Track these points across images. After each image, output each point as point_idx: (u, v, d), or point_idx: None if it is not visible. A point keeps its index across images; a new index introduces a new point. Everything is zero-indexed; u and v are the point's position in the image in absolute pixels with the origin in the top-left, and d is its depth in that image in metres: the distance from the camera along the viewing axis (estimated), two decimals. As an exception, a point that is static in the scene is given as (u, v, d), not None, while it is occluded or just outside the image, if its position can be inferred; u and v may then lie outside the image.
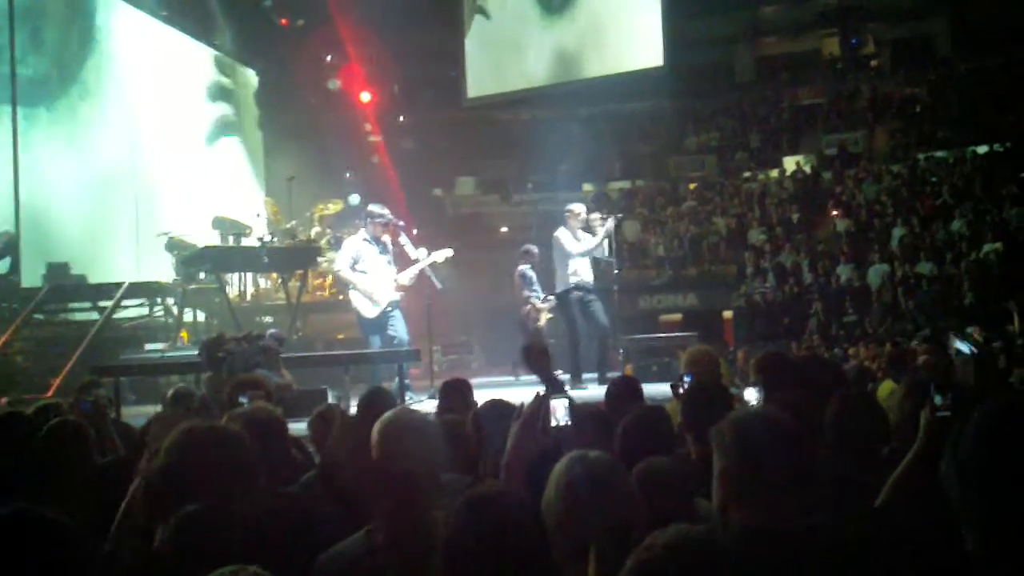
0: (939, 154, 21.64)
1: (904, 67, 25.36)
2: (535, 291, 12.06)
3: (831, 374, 4.77)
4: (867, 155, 23.09)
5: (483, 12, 23.43)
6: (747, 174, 24.05)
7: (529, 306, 12.05)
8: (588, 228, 10.87)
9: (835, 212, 20.15)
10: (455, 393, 5.39)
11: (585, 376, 10.44)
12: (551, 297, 11.71)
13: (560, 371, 11.23)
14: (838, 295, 17.17)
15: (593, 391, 9.43)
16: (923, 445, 3.09)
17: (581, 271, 10.62)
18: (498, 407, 3.90)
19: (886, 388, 6.95)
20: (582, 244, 10.65)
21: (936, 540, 2.51)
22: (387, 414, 3.14)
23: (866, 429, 3.71)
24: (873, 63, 26.66)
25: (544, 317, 12.22)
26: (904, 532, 2.76)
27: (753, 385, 4.28)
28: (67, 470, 4.19)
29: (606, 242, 10.88)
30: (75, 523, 2.30)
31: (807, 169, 23.21)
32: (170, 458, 2.87)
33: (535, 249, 12.29)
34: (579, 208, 10.95)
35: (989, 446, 1.79)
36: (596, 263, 11.04)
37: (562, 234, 10.68)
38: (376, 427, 3.08)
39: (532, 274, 12.28)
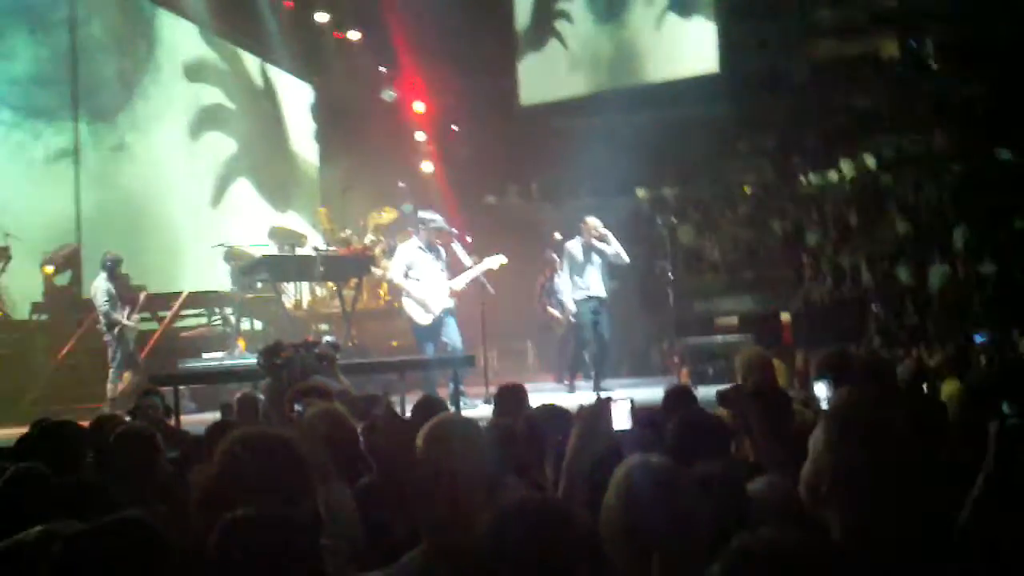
0: (1002, 155, 21.25)
1: (964, 68, 24.92)
2: (556, 300, 12.33)
3: (889, 374, 4.69)
4: (927, 156, 22.73)
5: (539, 20, 23.47)
6: (804, 178, 23.77)
7: (548, 314, 12.30)
8: (603, 239, 10.95)
9: (895, 213, 19.85)
10: (510, 398, 5.39)
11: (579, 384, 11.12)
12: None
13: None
14: (898, 296, 16.93)
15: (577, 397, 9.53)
16: (995, 458, 2.98)
17: (594, 285, 10.74)
18: (552, 411, 3.89)
19: (949, 387, 6.82)
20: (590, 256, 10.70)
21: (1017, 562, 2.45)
22: (433, 419, 3.13)
23: (924, 429, 3.63)
24: (932, 64, 26.24)
25: (562, 327, 12.41)
26: (988, 554, 2.68)
27: (822, 379, 4.22)
28: (141, 475, 4.21)
29: (614, 247, 10.91)
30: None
31: (865, 171, 22.91)
32: (223, 464, 2.89)
33: (555, 256, 12.46)
34: (593, 221, 11.05)
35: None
36: (613, 271, 11.12)
37: (572, 246, 10.84)
38: (421, 433, 3.08)
39: (551, 283, 12.51)
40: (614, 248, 10.83)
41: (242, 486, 2.77)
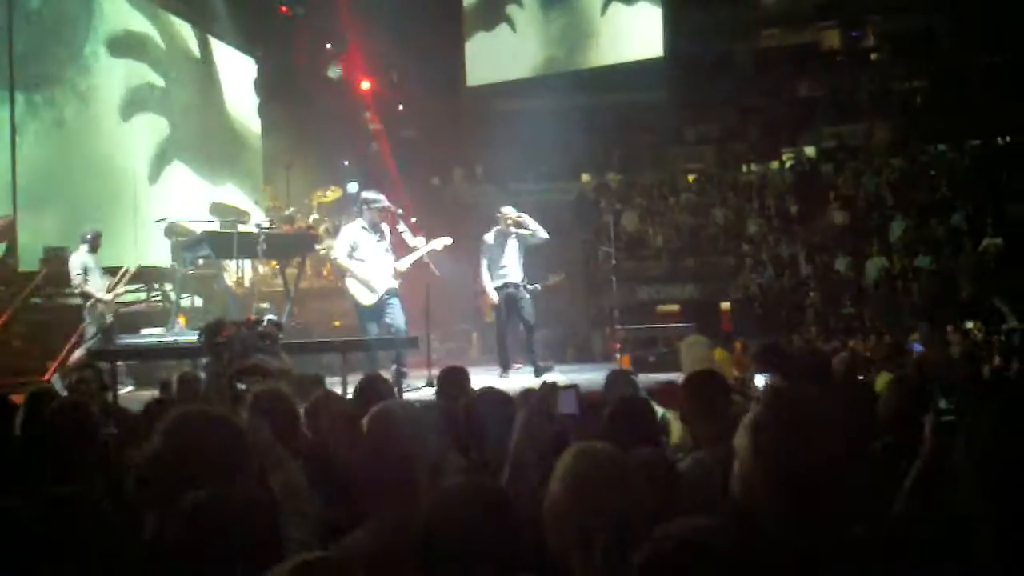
0: (939, 148, 21.64)
1: (904, 60, 25.32)
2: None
3: (825, 365, 4.79)
4: (866, 148, 23.07)
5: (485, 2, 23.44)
6: (746, 166, 24.05)
7: (482, 296, 12.41)
8: (520, 224, 11.07)
9: (834, 204, 20.14)
10: (452, 381, 5.41)
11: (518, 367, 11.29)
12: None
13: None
14: (836, 287, 17.21)
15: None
16: (930, 451, 3.05)
17: (510, 271, 10.88)
18: (492, 394, 3.92)
19: (883, 379, 6.96)
20: (508, 246, 10.93)
21: (949, 549, 2.50)
22: (376, 407, 3.14)
23: (857, 422, 3.71)
24: (873, 56, 26.62)
25: (491, 314, 12.54)
26: (921, 542, 2.74)
27: (762, 372, 4.31)
28: (76, 449, 4.17)
29: (524, 238, 11.03)
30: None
31: (806, 161, 23.22)
32: (163, 443, 2.87)
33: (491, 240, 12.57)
34: (508, 210, 11.16)
35: (1007, 443, 1.77)
36: (531, 252, 11.23)
37: (487, 237, 10.99)
38: (366, 420, 3.09)
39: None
40: (531, 227, 10.98)
41: (182, 465, 2.77)
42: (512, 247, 11.07)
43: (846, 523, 2.43)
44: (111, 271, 12.36)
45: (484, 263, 11.19)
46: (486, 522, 2.27)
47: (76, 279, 11.62)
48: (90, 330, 11.54)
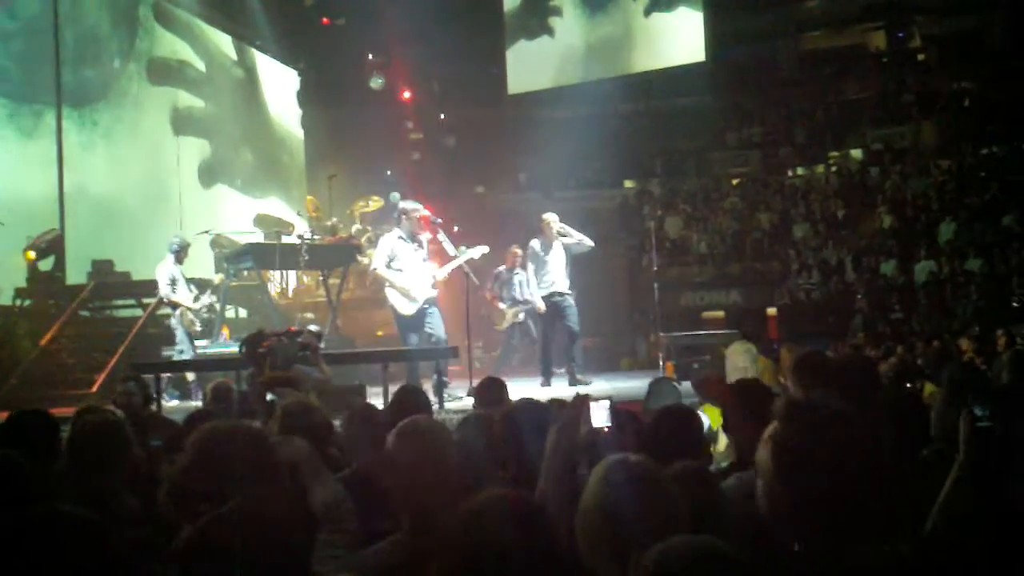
0: (989, 149, 21.29)
1: (951, 61, 24.96)
2: (510, 295, 12.47)
3: (870, 374, 4.66)
4: (914, 150, 22.75)
5: (527, 10, 23.41)
6: (791, 171, 23.80)
7: (492, 309, 12.37)
8: (564, 233, 11.03)
9: (881, 208, 19.88)
10: (490, 392, 5.36)
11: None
12: (522, 303, 12.46)
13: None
14: (883, 292, 16.96)
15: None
16: (964, 461, 2.96)
17: (556, 279, 10.80)
18: (530, 405, 3.86)
19: (930, 388, 6.82)
20: (552, 253, 10.93)
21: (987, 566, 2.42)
22: (402, 423, 3.10)
23: (904, 431, 3.61)
24: (920, 57, 26.27)
25: (506, 322, 12.51)
26: (956, 559, 2.65)
27: (801, 383, 4.20)
28: (110, 465, 4.16)
29: (575, 237, 10.98)
30: (103, 520, 2.29)
31: (852, 164, 22.94)
32: (192, 457, 2.85)
33: (519, 251, 12.55)
34: (551, 218, 11.11)
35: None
36: (574, 261, 11.16)
37: (534, 244, 10.90)
38: (392, 434, 3.05)
39: (508, 276, 12.63)
40: (576, 238, 10.94)
41: (211, 479, 2.74)
42: (558, 255, 11.01)
43: (885, 538, 2.35)
44: (150, 283, 12.46)
45: (530, 269, 11.14)
46: (518, 535, 2.21)
47: (164, 289, 11.75)
48: (181, 337, 11.65)
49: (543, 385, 10.69)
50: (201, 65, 17.76)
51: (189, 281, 12.10)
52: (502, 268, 13.06)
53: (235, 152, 18.28)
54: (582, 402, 3.15)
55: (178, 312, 11.69)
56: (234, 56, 18.80)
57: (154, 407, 8.01)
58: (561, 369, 11.42)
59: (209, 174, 17.38)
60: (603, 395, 4.40)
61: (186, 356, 11.43)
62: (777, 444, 2.31)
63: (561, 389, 9.77)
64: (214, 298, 12.23)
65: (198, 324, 11.74)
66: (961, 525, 2.85)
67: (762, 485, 2.36)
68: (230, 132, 18.17)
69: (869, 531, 2.26)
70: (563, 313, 10.91)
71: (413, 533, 2.77)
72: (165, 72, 16.92)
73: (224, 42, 18.43)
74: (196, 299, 11.89)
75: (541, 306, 11.06)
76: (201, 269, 14.73)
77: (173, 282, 11.74)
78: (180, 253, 11.95)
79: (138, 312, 13.60)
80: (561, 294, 10.94)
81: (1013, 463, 2.93)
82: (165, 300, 11.88)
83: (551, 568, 2.21)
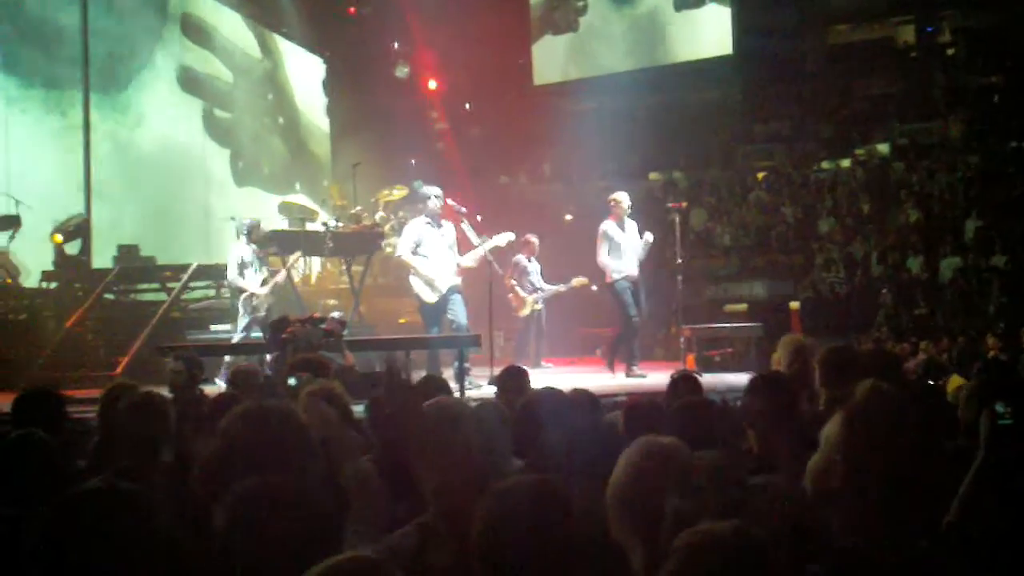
0: (1016, 144, 21.08)
1: (981, 56, 24.72)
2: (528, 282, 12.44)
3: (895, 369, 4.65)
4: (941, 146, 22.57)
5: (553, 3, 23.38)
6: (817, 165, 23.66)
7: (512, 294, 12.35)
8: (634, 215, 10.88)
9: (907, 203, 19.75)
10: (512, 380, 5.38)
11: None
12: (541, 290, 12.63)
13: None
14: (908, 287, 16.87)
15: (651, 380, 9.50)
16: (985, 457, 2.97)
17: (629, 262, 10.62)
18: (550, 394, 3.89)
19: (955, 383, 6.80)
20: (627, 235, 10.67)
21: (1008, 559, 2.43)
22: (430, 403, 3.12)
23: (928, 424, 3.60)
24: (949, 52, 26.04)
25: (527, 309, 12.50)
26: (977, 552, 2.66)
27: (824, 378, 4.18)
28: (148, 446, 4.20)
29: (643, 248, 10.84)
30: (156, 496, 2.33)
31: (879, 159, 22.79)
32: (225, 438, 2.88)
33: (535, 240, 12.52)
34: (622, 197, 10.93)
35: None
36: (648, 252, 10.95)
37: (608, 226, 10.71)
38: (419, 415, 3.07)
39: (527, 264, 12.61)
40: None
41: (243, 461, 2.77)
42: (632, 236, 10.83)
43: (914, 530, 2.37)
44: (175, 268, 12.46)
45: (604, 251, 10.89)
46: (544, 518, 2.22)
47: (231, 274, 11.53)
48: (241, 322, 11.49)
49: (629, 375, 10.49)
50: (230, 47, 17.82)
51: (261, 262, 11.78)
52: (520, 256, 13.05)
53: (261, 143, 18.36)
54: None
55: (243, 297, 11.49)
56: (261, 42, 18.84)
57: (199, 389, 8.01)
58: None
59: (235, 160, 17.46)
60: (622, 388, 4.43)
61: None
62: (855, 418, 2.36)
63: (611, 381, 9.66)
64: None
65: (263, 310, 11.48)
66: (981, 519, 2.86)
67: (819, 458, 2.41)
68: (257, 118, 18.25)
69: (907, 520, 2.29)
70: (637, 298, 10.70)
71: (439, 516, 2.79)
72: (196, 52, 17.01)
73: (251, 28, 18.46)
74: (264, 283, 11.64)
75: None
76: (223, 255, 14.82)
77: (242, 265, 11.50)
78: (252, 233, 11.70)
79: (162, 296, 13.71)
80: (635, 279, 10.72)
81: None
82: (230, 286, 11.68)
83: (576, 551, 2.22)
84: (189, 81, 16.90)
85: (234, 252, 11.56)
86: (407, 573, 1.76)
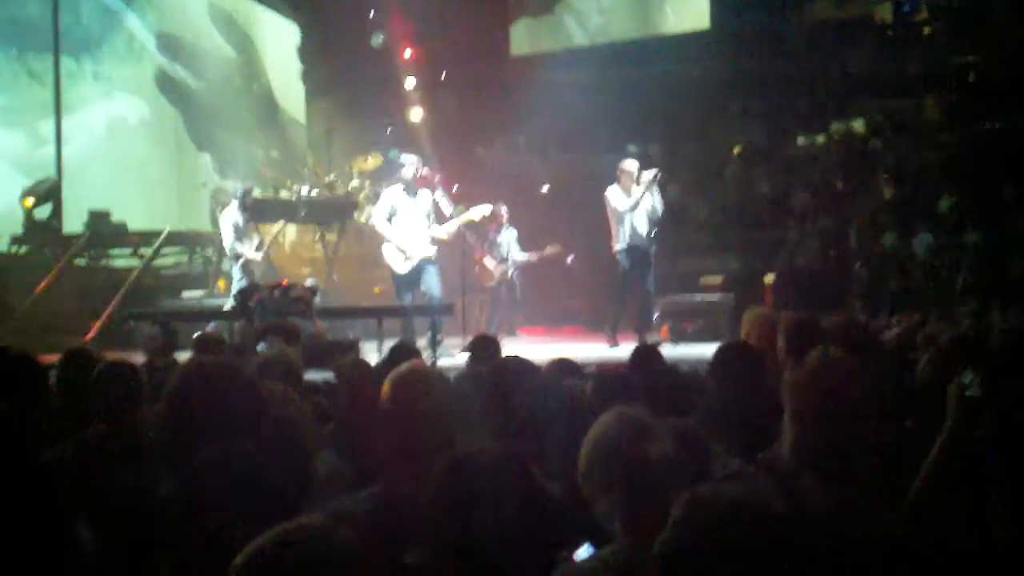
0: (992, 124, 21.17)
1: (958, 34, 24.74)
2: (497, 253, 12.41)
3: (866, 341, 4.64)
4: (916, 123, 22.63)
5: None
6: (793, 140, 23.68)
7: (478, 267, 12.33)
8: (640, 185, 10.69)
9: (882, 179, 19.81)
10: (483, 349, 5.37)
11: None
12: (512, 260, 12.64)
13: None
14: (883, 263, 16.95)
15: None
16: (953, 427, 2.97)
17: (637, 230, 10.44)
18: (518, 363, 3.87)
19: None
20: (631, 200, 10.49)
21: (970, 534, 2.43)
22: (400, 367, 3.09)
23: (892, 397, 3.62)
24: (926, 30, 26.05)
25: (495, 279, 12.48)
26: (940, 527, 2.67)
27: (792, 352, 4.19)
28: (125, 409, 4.16)
29: (657, 194, 10.68)
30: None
31: (855, 136, 22.82)
32: (177, 396, 2.84)
33: (504, 210, 12.48)
34: (630, 165, 10.75)
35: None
36: (652, 221, 10.78)
37: (612, 192, 10.55)
38: (387, 380, 3.04)
39: (496, 236, 12.56)
40: (641, 189, 10.47)
41: (192, 420, 2.74)
42: (643, 206, 10.62)
43: (878, 502, 2.37)
44: (147, 234, 12.39)
45: (610, 217, 10.63)
46: (502, 484, 2.20)
47: (228, 240, 11.47)
48: (236, 287, 11.36)
49: (612, 345, 10.24)
50: (204, 11, 17.63)
51: (251, 229, 11.78)
52: (490, 228, 12.99)
53: (236, 104, 18.18)
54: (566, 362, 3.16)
55: (240, 263, 11.39)
56: (233, 19, 18.62)
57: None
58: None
59: (209, 126, 17.29)
60: (595, 359, 4.44)
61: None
62: (797, 388, 2.35)
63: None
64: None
65: (257, 274, 11.42)
66: (946, 491, 2.86)
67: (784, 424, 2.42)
68: (232, 83, 18.08)
69: (872, 489, 2.29)
70: (642, 269, 10.52)
71: (398, 480, 2.77)
72: (168, 15, 16.83)
73: (223, 8, 18.22)
74: (257, 248, 11.60)
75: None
76: (198, 222, 14.72)
77: (238, 231, 11.45)
78: (246, 199, 11.64)
79: (134, 262, 13.61)
80: (644, 247, 10.53)
81: (1000, 431, 2.94)
82: (229, 253, 11.60)
83: (536, 517, 2.21)
84: (161, 46, 16.71)
85: (228, 219, 11.50)
86: (359, 539, 1.74)
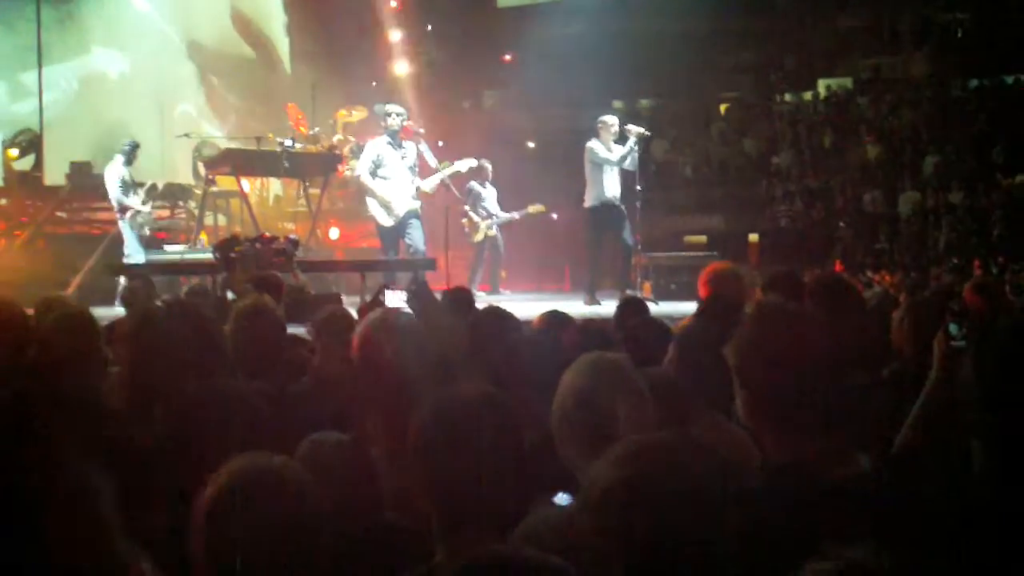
0: (979, 81, 21.13)
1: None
2: (482, 208, 12.34)
3: (847, 296, 4.65)
4: (904, 81, 22.57)
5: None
6: (780, 96, 23.60)
7: (466, 219, 12.27)
8: (621, 141, 10.60)
9: (868, 137, 19.78)
10: (459, 301, 5.36)
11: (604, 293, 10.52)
12: (495, 216, 12.44)
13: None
14: (867, 221, 16.98)
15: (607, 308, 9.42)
16: (938, 376, 2.97)
17: (611, 186, 10.38)
18: (496, 313, 3.87)
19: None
20: (614, 154, 10.41)
21: (954, 481, 2.43)
22: (372, 315, 3.08)
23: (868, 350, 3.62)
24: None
25: (480, 235, 12.41)
26: (925, 475, 2.66)
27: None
28: (82, 361, 4.12)
29: (635, 153, 10.61)
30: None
31: (841, 92, 22.76)
32: (130, 346, 2.83)
33: (488, 165, 12.40)
34: (611, 120, 10.66)
35: (1013, 367, 1.70)
36: (624, 177, 10.73)
37: (594, 144, 10.44)
38: (360, 328, 3.03)
39: (481, 190, 12.48)
40: (627, 146, 10.35)
41: (153, 363, 2.72)
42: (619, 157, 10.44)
43: (853, 451, 2.36)
44: (140, 185, 12.32)
45: (587, 171, 10.48)
46: (485, 427, 2.17)
47: (115, 192, 11.50)
48: (132, 242, 11.42)
49: (589, 303, 10.04)
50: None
51: (137, 185, 11.85)
52: (473, 183, 12.85)
53: (220, 56, 18.00)
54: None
55: (128, 215, 11.44)
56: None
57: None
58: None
59: (192, 78, 17.14)
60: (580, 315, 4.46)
61: (138, 260, 11.15)
62: (741, 344, 2.32)
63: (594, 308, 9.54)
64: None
65: (147, 228, 11.52)
66: (934, 442, 2.87)
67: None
68: (215, 35, 17.90)
69: (836, 438, 2.27)
70: (618, 224, 10.44)
71: (374, 423, 2.76)
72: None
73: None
74: (144, 202, 11.65)
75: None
76: (182, 175, 14.61)
77: (125, 184, 11.50)
78: (131, 154, 11.69)
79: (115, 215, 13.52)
80: (617, 203, 10.44)
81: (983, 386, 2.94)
82: (116, 205, 11.61)
83: (519, 461, 2.19)
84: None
85: (113, 172, 11.51)
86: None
